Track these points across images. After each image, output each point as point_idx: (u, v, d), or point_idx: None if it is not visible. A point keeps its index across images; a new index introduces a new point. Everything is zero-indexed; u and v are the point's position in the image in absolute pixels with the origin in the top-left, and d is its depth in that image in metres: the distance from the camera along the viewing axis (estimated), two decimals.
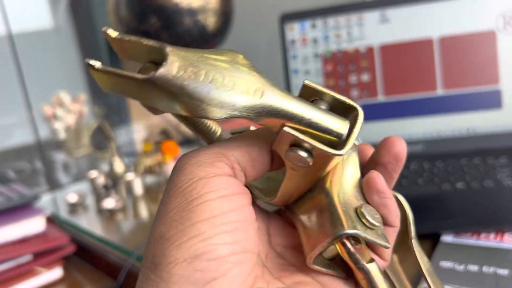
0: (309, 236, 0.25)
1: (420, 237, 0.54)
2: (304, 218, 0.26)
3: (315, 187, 0.26)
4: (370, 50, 0.72)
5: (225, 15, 0.88)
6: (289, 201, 0.27)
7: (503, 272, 0.46)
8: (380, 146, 0.27)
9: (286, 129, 0.23)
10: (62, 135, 0.97)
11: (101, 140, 1.02)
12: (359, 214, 0.24)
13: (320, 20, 0.74)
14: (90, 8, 1.56)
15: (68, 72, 1.60)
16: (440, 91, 0.70)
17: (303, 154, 0.23)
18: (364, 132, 0.75)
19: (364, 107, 0.73)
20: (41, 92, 0.98)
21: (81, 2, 1.57)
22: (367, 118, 0.73)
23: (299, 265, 0.26)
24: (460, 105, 0.70)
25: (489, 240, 0.52)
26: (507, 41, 0.67)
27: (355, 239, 0.24)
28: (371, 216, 0.24)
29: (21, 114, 0.98)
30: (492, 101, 0.69)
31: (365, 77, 0.73)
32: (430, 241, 0.54)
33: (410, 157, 0.69)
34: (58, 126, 0.96)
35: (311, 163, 0.23)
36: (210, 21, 0.85)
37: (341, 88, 0.74)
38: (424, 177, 0.63)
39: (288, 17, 0.76)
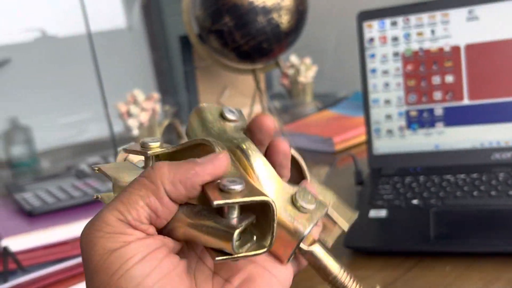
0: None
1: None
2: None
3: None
4: (455, 49, 0.68)
5: (299, 13, 0.86)
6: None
7: None
8: (251, 125, 0.30)
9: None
10: (135, 131, 1.00)
11: (172, 137, 1.03)
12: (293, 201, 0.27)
13: (401, 17, 0.70)
14: (162, 9, 1.59)
15: (139, 71, 1.64)
16: None
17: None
18: (448, 137, 0.70)
19: (448, 111, 0.69)
20: (116, 89, 1.00)
21: (154, 3, 1.61)
22: (450, 123, 0.68)
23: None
24: None
25: None
26: None
27: None
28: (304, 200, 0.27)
29: (97, 109, 1.01)
30: None
31: (450, 79, 0.69)
32: None
33: (498, 165, 0.64)
34: (132, 123, 0.99)
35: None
36: (284, 19, 0.83)
37: (423, 89, 0.69)
38: None
39: (366, 15, 0.73)
